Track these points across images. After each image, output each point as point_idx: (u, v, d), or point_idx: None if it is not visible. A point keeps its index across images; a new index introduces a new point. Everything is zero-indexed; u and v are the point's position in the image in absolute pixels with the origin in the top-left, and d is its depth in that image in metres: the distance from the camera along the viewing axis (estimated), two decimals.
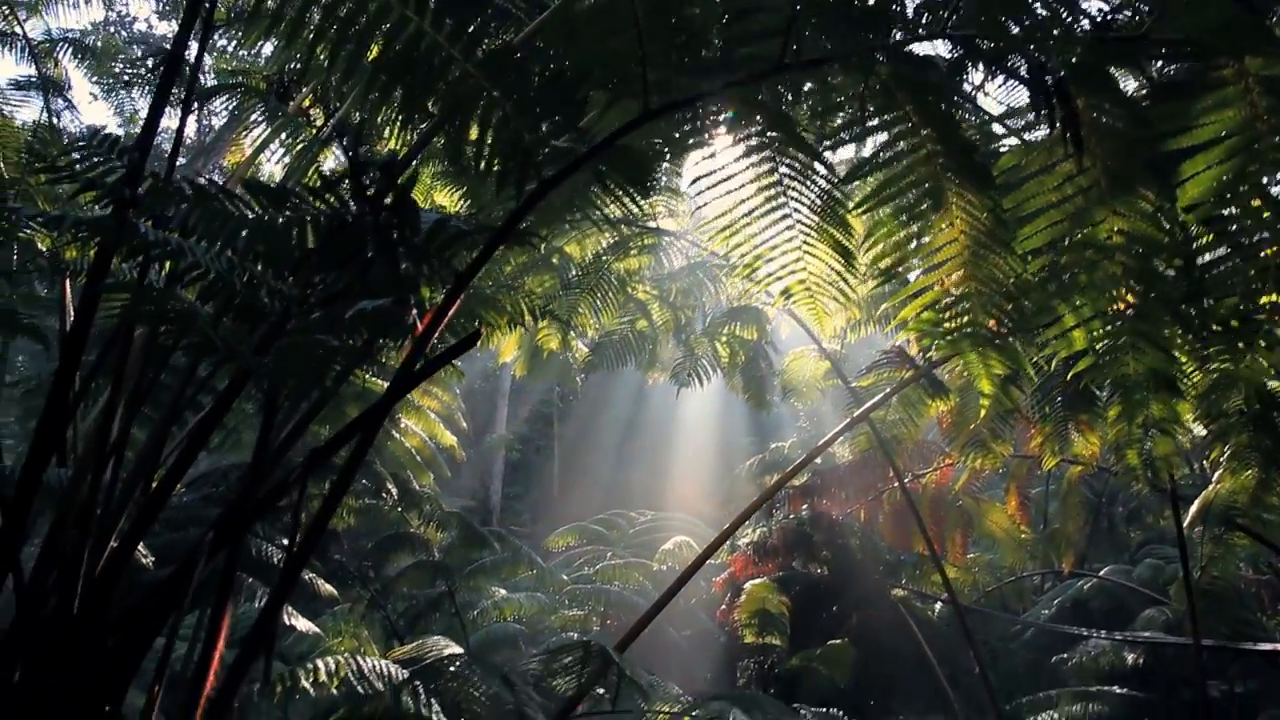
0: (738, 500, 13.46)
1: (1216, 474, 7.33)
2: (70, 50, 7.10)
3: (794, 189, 2.82)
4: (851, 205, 2.80)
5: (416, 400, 9.47)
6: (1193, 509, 7.13)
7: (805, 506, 9.09)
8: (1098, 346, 2.85)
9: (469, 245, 2.39)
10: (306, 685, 4.06)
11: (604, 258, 6.24)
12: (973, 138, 2.54)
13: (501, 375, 25.39)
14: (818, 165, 2.75)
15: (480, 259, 2.34)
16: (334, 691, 11.66)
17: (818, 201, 2.83)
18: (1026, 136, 2.69)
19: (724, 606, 9.28)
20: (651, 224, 6.18)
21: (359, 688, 4.04)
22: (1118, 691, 7.15)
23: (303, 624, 6.21)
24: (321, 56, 2.39)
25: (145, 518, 3.97)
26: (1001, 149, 2.66)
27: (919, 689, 8.13)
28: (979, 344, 3.02)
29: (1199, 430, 5.93)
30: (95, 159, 2.93)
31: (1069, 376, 3.51)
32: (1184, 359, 2.97)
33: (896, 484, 8.87)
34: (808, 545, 9.23)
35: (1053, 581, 12.32)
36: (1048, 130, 2.40)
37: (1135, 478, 6.58)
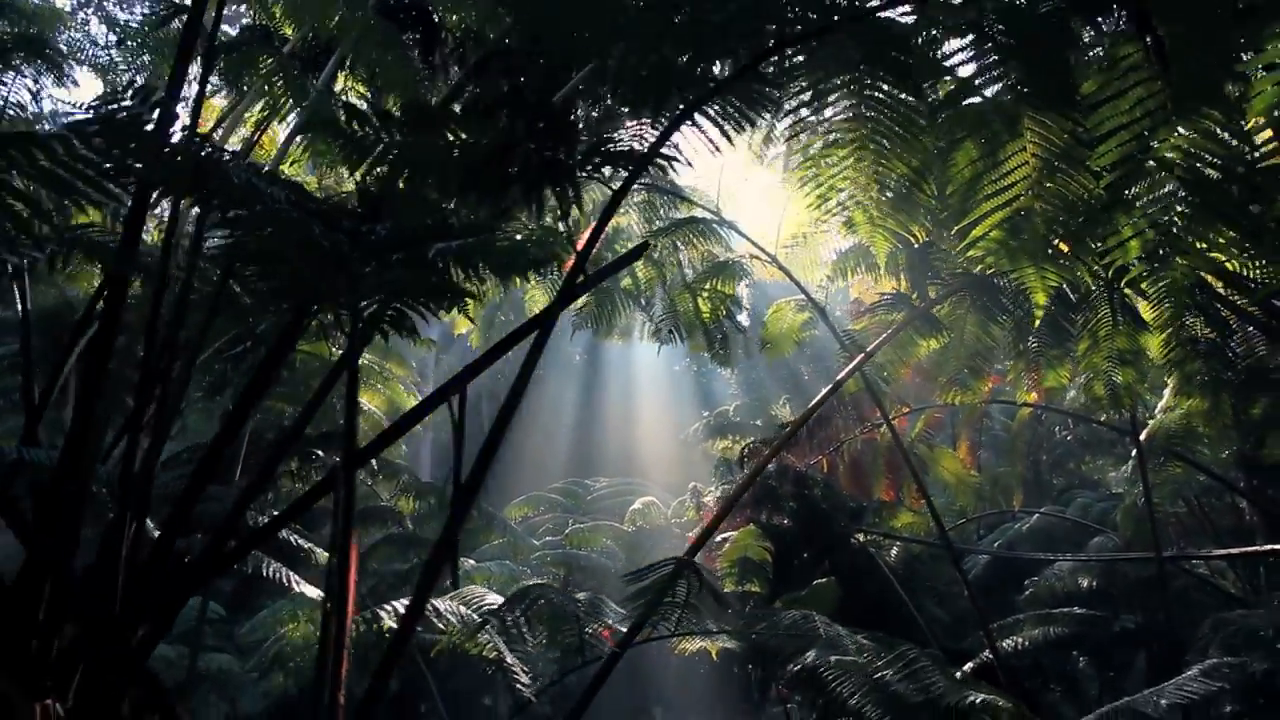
0: (689, 463, 13.79)
1: (1159, 407, 7.96)
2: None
3: (875, 119, 3.06)
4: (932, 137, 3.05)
5: (390, 369, 9.44)
6: (1142, 438, 7.71)
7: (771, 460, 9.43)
8: (1151, 253, 3.17)
9: (624, 164, 2.54)
10: (390, 623, 4.15)
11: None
12: (1067, 64, 2.80)
13: (425, 360, 25.10)
14: (901, 95, 3.00)
15: (626, 183, 2.50)
16: (284, 681, 11.46)
17: (897, 130, 3.08)
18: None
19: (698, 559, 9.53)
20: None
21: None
22: (1077, 612, 7.71)
23: (314, 591, 6.21)
24: None
25: (189, 499, 4.05)
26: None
27: (890, 623, 8.57)
28: (1038, 258, 3.31)
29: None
30: (132, 111, 2.97)
31: (1123, 283, 3.82)
32: (1230, 264, 3.31)
33: (860, 435, 9.33)
34: (774, 497, 9.60)
35: (982, 531, 13.04)
36: (1126, 55, 2.69)
37: (1101, 407, 7.12)
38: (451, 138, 2.45)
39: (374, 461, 8.67)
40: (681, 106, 2.51)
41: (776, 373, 16.58)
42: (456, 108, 3.48)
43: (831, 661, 3.28)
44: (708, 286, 7.32)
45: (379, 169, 2.52)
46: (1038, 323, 4.29)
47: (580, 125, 2.40)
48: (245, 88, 5.62)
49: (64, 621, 3.51)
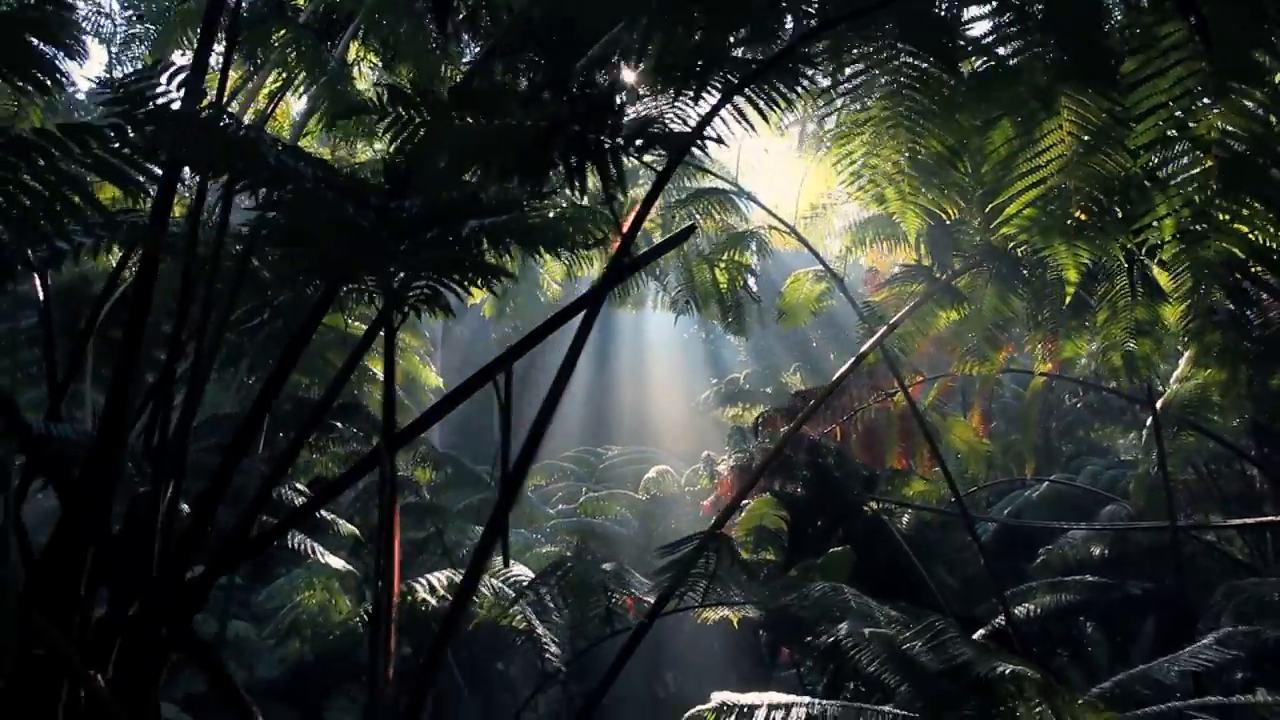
0: (699, 431, 13.86)
1: (1174, 376, 7.98)
2: None
3: (910, 96, 3.06)
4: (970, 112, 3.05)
5: (404, 340, 9.47)
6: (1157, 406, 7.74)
7: (784, 428, 9.49)
8: (1184, 231, 3.18)
9: (665, 146, 2.55)
10: (426, 596, 4.23)
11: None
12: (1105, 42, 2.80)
13: (434, 329, 25.06)
14: (938, 73, 3.00)
15: (669, 166, 2.51)
16: (300, 648, 11.60)
17: (933, 108, 3.08)
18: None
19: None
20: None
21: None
22: (1088, 579, 7.79)
23: (336, 562, 6.30)
24: None
25: (225, 472, 4.13)
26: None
27: (901, 589, 8.67)
28: (1070, 236, 3.33)
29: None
30: (157, 88, 2.98)
31: (1155, 259, 3.83)
32: (1266, 241, 3.32)
33: (874, 404, 9.35)
34: (788, 466, 9.67)
35: (991, 499, 13.12)
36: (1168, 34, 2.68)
37: (1117, 376, 7.15)
38: (493, 119, 2.46)
39: None
40: (722, 87, 2.51)
41: (786, 339, 16.60)
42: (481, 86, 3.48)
43: (866, 634, 3.34)
44: (724, 257, 7.33)
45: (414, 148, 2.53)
46: (1068, 300, 4.29)
47: (623, 106, 2.41)
48: (260, 60, 5.61)
49: (99, 591, 3.59)
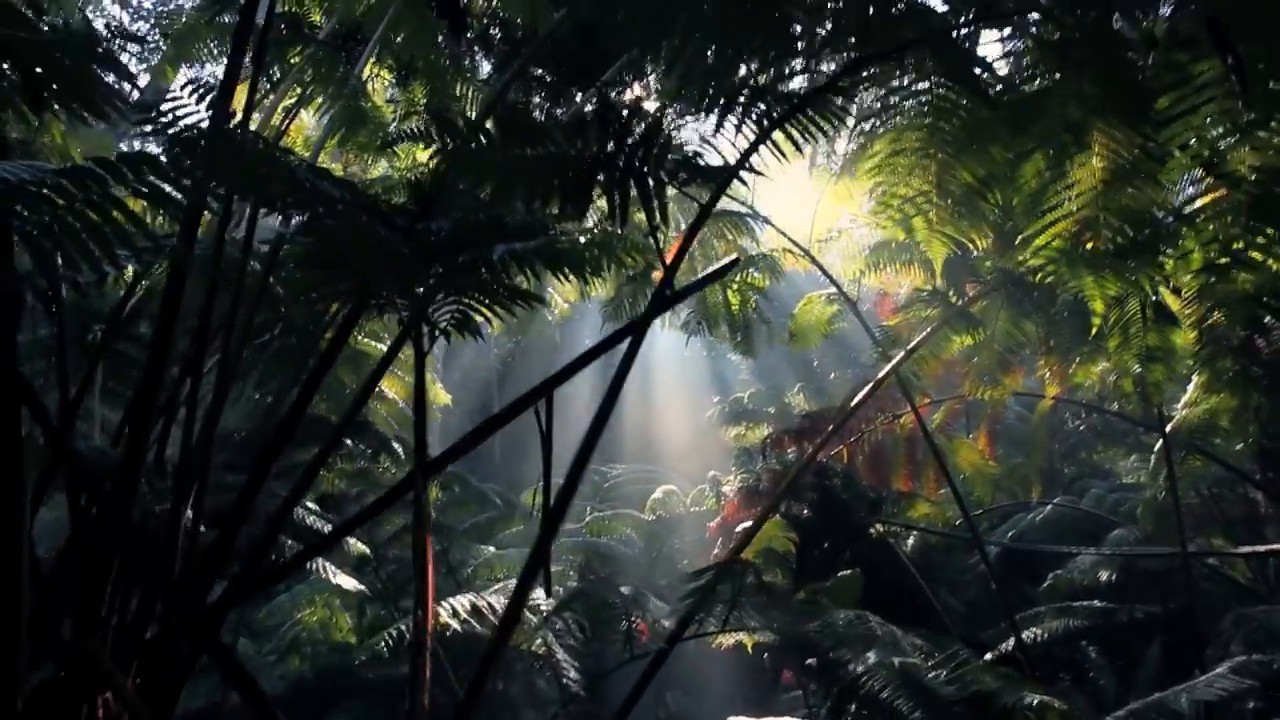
0: (702, 451, 13.85)
1: (1182, 401, 8.01)
2: None
3: (943, 128, 3.09)
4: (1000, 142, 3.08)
5: (408, 356, 9.47)
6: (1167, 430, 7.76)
7: (792, 450, 9.51)
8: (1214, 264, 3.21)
9: (708, 180, 2.58)
10: (449, 621, 4.23)
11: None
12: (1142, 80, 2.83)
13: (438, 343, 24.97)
14: (972, 107, 3.03)
15: (716, 195, 2.54)
16: (300, 665, 11.57)
17: (966, 141, 3.11)
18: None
19: (717, 551, 9.66)
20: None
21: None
22: (1097, 605, 7.80)
23: (349, 582, 6.29)
24: None
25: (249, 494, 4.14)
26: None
27: (907, 612, 8.67)
28: (1097, 267, 3.35)
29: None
30: (188, 108, 3.01)
31: (1184, 294, 3.86)
32: None
33: (882, 426, 9.36)
34: (796, 488, 9.67)
35: (995, 521, 13.10)
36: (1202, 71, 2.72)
37: (1128, 402, 7.18)
38: (538, 148, 2.48)
39: (400, 449, 8.73)
40: (764, 119, 2.54)
41: (790, 359, 16.62)
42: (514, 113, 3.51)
43: (894, 664, 3.35)
44: (738, 279, 7.37)
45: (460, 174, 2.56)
46: (1094, 330, 4.31)
47: (668, 139, 2.44)
48: (278, 76, 5.65)
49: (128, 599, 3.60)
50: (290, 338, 5.60)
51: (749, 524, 9.20)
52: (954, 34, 2.72)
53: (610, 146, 2.44)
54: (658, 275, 3.08)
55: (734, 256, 2.90)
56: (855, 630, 3.97)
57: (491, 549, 10.96)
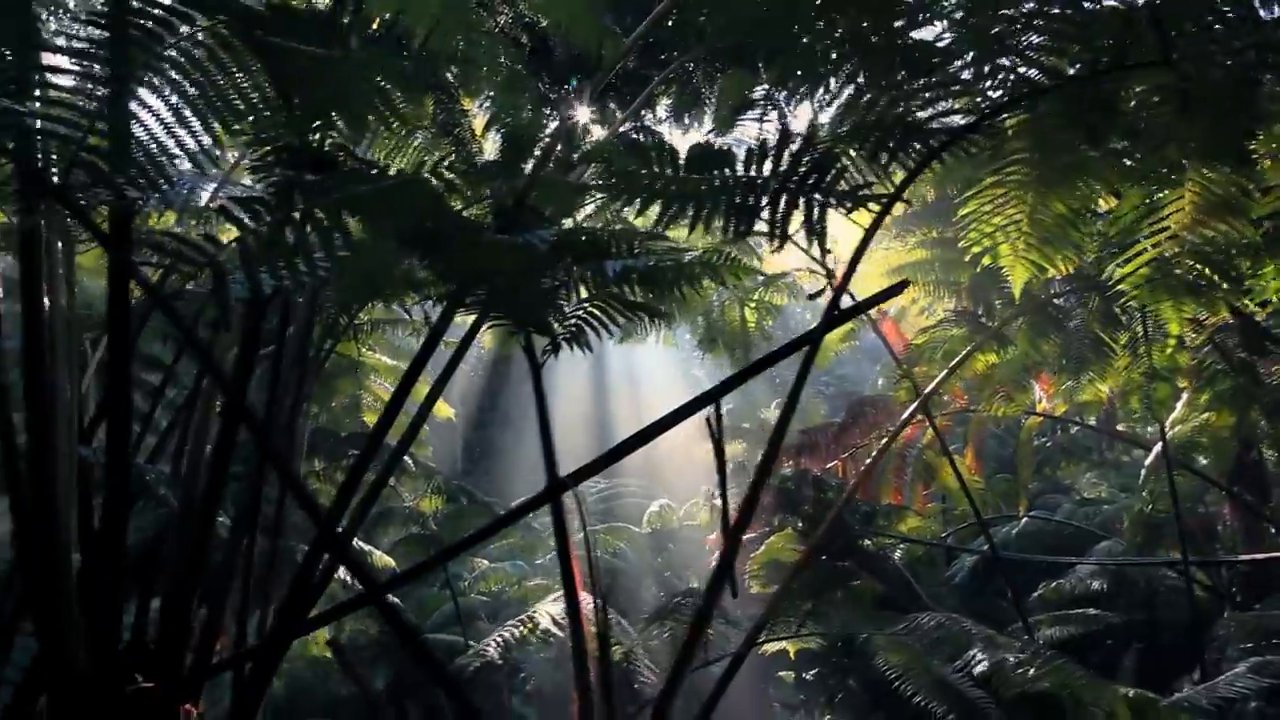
0: (694, 464, 13.97)
1: (1171, 419, 8.43)
2: None
3: (1045, 161, 3.32)
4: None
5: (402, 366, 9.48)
6: (1154, 452, 8.17)
7: (790, 464, 9.73)
8: None
9: (861, 204, 2.75)
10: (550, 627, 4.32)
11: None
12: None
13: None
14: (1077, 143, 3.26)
15: (875, 222, 2.72)
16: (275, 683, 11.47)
17: (1066, 175, 3.34)
18: None
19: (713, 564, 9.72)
20: None
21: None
22: (1091, 613, 8.14)
23: None
24: None
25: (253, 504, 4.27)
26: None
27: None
28: (1178, 294, 3.61)
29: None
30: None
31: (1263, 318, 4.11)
32: None
33: (881, 440, 9.63)
34: (793, 501, 9.89)
35: (974, 533, 13.45)
36: None
37: (1135, 419, 7.52)
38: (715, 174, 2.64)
39: (408, 460, 8.74)
40: (923, 151, 2.74)
41: (765, 375, 16.82)
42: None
43: (1011, 661, 3.55)
44: (755, 297, 7.58)
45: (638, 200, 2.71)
46: (1170, 348, 4.58)
47: (842, 167, 2.61)
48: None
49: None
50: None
51: (749, 535, 9.40)
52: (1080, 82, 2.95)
53: (786, 171, 2.61)
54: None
55: (904, 279, 3.07)
56: (948, 630, 4.16)
57: (485, 562, 10.98)
